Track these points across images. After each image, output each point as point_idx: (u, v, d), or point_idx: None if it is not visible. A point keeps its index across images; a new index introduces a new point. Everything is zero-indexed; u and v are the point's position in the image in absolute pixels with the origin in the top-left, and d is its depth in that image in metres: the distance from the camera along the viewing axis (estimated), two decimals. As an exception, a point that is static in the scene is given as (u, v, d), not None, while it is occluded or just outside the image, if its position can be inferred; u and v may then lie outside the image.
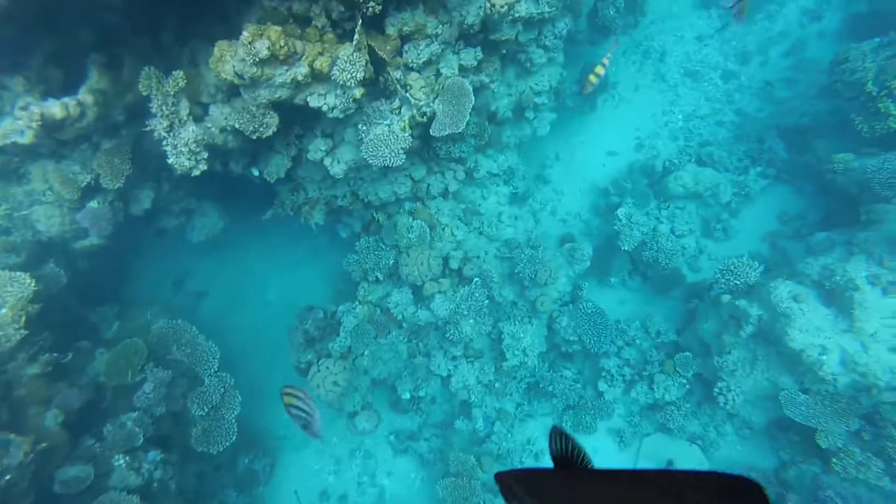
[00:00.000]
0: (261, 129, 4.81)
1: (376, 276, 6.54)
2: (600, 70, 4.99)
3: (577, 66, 8.00)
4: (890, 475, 5.27)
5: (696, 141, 8.18)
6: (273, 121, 4.84)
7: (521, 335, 6.59)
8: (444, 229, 6.65)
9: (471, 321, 6.24)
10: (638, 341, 6.91)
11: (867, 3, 8.04)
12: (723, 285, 6.20)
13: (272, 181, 5.84)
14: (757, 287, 5.99)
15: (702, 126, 8.31)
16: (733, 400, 5.95)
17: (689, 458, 6.35)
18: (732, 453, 6.41)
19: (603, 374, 6.84)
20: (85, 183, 5.09)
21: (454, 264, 6.56)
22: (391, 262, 6.46)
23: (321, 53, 4.67)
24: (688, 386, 6.52)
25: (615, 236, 7.28)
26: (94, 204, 5.32)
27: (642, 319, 7.09)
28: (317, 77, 4.76)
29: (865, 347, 5.16)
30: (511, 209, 7.50)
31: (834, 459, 5.46)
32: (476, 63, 5.62)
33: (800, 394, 5.49)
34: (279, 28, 4.41)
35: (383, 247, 6.47)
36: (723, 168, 7.66)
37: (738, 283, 6.07)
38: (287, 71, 4.61)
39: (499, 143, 6.96)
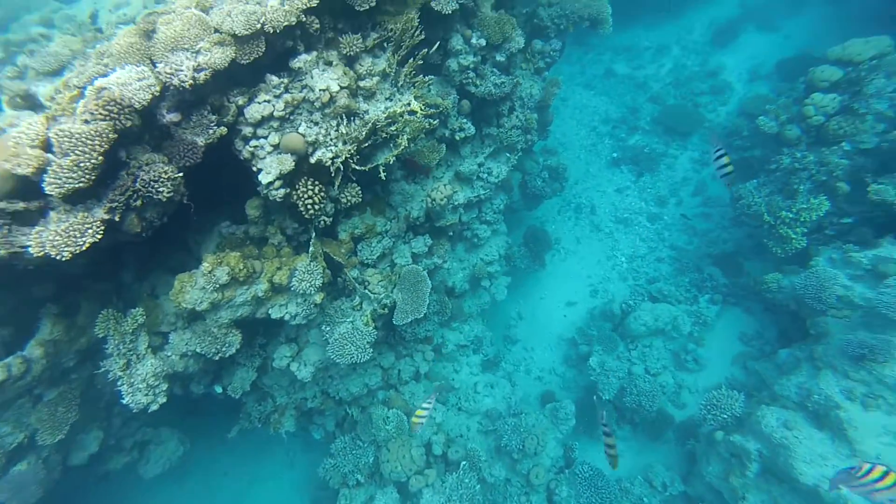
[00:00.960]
0: (223, 349, 4.77)
1: (356, 479, 5.99)
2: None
3: (520, 231, 8.77)
4: None
5: (643, 279, 8.74)
6: (236, 339, 4.82)
7: (524, 518, 5.97)
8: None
9: (466, 514, 5.64)
10: (646, 500, 6.39)
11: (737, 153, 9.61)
12: (712, 422, 6.06)
13: (237, 396, 5.60)
14: (745, 418, 5.89)
15: (644, 265, 8.97)
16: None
17: None
18: None
19: (621, 546, 6.14)
20: (14, 445, 4.62)
21: (437, 450, 6.16)
22: (371, 459, 6.00)
23: (279, 268, 4.91)
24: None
25: (593, 386, 7.21)
26: (21, 467, 4.75)
27: (644, 472, 6.68)
28: (277, 290, 4.92)
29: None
30: (485, 377, 7.39)
31: None
32: (427, 249, 6.04)
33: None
34: (237, 253, 4.67)
35: (361, 444, 6.06)
36: (675, 300, 8.08)
37: (725, 416, 5.96)
38: (247, 290, 4.76)
39: (461, 314, 7.16)
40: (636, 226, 9.59)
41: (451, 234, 6.74)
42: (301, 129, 4.20)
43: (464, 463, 6.01)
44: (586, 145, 10.93)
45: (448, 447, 6.17)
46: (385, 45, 4.60)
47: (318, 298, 4.97)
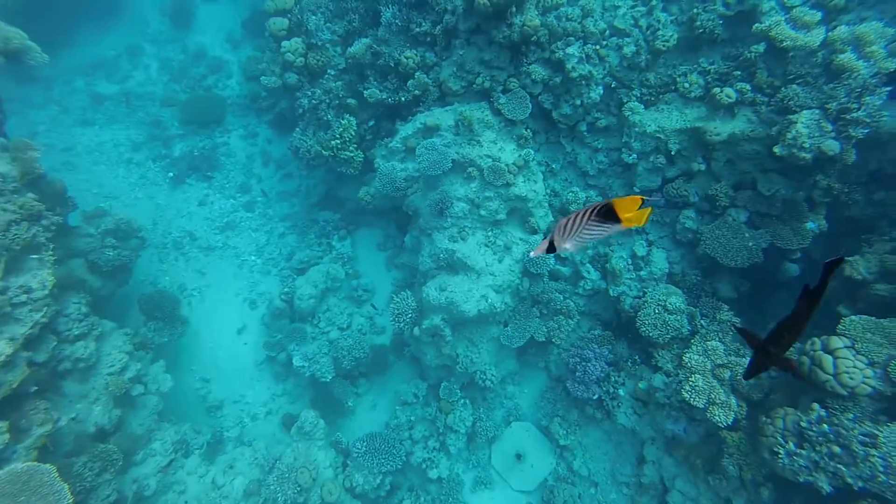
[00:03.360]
0: None
1: None
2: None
3: (133, 313, 7.28)
4: None
5: (282, 261, 8.79)
6: None
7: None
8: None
9: None
10: (412, 416, 7.14)
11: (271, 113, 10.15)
12: (405, 325, 6.96)
13: None
14: (420, 304, 7.00)
15: (273, 249, 8.97)
16: None
17: None
18: None
19: None
20: None
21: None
22: None
23: None
24: None
25: (317, 380, 7.19)
26: None
27: (394, 401, 7.34)
28: None
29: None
30: (217, 466, 6.35)
31: None
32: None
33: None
34: None
35: None
36: (317, 259, 8.51)
37: (409, 314, 6.93)
38: None
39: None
40: (241, 222, 9.31)
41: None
42: None
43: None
44: (134, 182, 9.52)
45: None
46: None
47: None
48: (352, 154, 7.78)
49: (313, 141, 7.92)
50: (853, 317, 4.82)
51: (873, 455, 4.26)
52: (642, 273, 6.94)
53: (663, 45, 6.57)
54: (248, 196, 9.57)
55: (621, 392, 6.65)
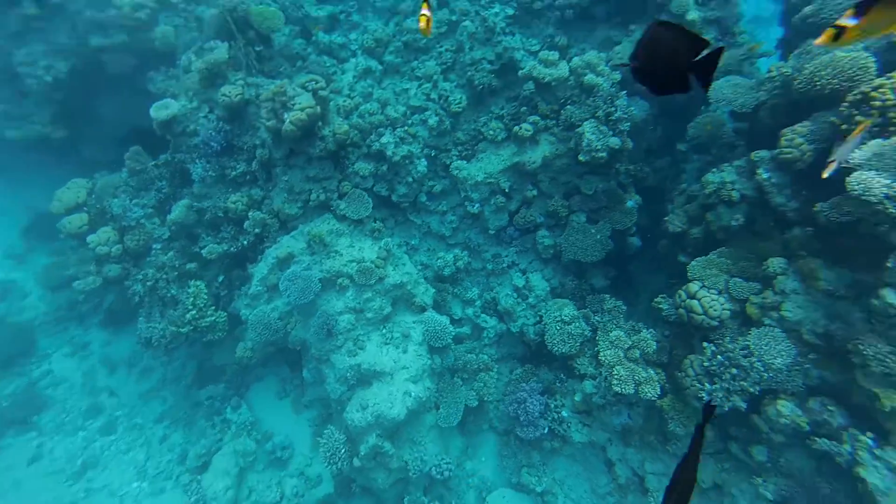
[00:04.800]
0: None
1: None
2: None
3: None
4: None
5: (175, 470, 7.53)
6: None
7: None
8: None
9: None
10: None
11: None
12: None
13: None
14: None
15: (155, 459, 7.66)
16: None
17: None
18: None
19: None
20: None
21: None
22: None
23: None
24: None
25: None
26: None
27: None
28: None
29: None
30: None
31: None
32: None
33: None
34: None
35: None
36: (217, 442, 7.49)
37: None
38: None
39: None
40: (104, 452, 7.79)
41: None
42: None
43: None
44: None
45: None
46: None
47: None
48: (213, 318, 7.21)
49: (164, 323, 7.18)
50: (692, 262, 5.79)
51: (754, 361, 5.02)
52: (530, 300, 7.47)
53: (458, 108, 7.51)
54: (103, 416, 8.12)
55: (564, 413, 6.88)
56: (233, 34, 7.36)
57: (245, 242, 7.18)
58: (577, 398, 6.75)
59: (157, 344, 7.12)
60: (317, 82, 6.85)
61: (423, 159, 7.51)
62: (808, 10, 6.05)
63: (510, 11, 8.28)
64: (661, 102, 7.52)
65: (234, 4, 7.20)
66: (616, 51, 7.58)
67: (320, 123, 6.80)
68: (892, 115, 4.43)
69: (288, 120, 6.36)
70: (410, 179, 7.48)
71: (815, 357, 4.94)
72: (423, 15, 3.48)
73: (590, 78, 6.78)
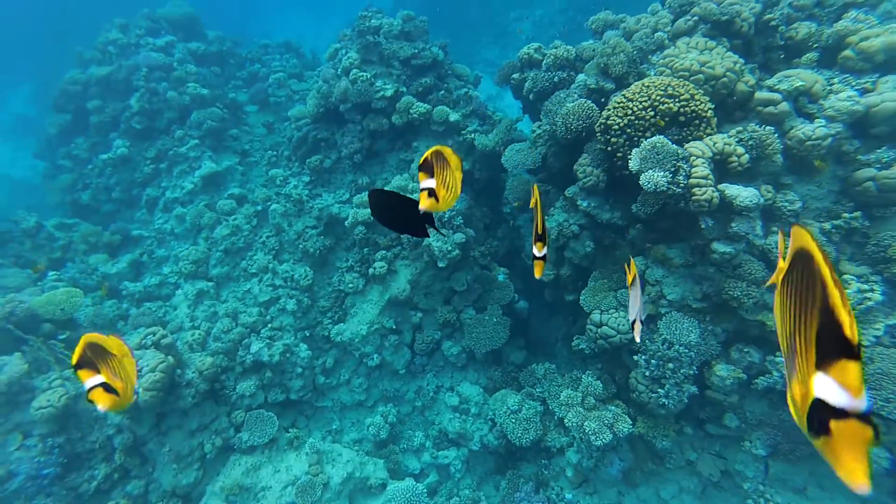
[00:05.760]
0: None
1: None
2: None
3: None
4: None
5: None
6: None
7: None
8: None
9: None
10: None
11: None
12: None
13: None
14: None
15: None
16: None
17: None
18: None
19: None
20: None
21: None
22: None
23: None
24: None
25: None
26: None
27: None
28: None
29: None
30: None
31: None
32: None
33: None
34: None
35: None
36: None
37: None
38: None
39: None
40: None
41: None
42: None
43: None
44: None
45: None
46: None
47: None
48: None
49: None
50: (581, 297, 6.32)
51: (676, 347, 5.55)
52: (473, 411, 7.26)
53: (307, 281, 7.43)
54: None
55: (568, 496, 6.59)
56: (22, 339, 6.33)
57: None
58: (568, 473, 6.55)
59: None
60: (154, 333, 6.17)
61: (301, 345, 7.12)
62: (527, 85, 7.57)
63: (306, 179, 8.73)
64: (472, 187, 8.46)
65: (8, 311, 6.26)
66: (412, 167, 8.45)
67: (179, 371, 6.05)
68: (630, 131, 5.62)
69: (142, 389, 5.52)
70: (300, 370, 6.97)
71: (709, 318, 5.64)
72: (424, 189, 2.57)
73: (408, 199, 7.35)
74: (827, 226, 5.27)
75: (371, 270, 7.44)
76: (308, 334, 7.48)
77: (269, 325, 7.20)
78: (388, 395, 7.52)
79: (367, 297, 7.59)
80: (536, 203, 2.50)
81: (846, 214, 5.18)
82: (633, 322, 3.52)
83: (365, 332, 7.25)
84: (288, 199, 8.44)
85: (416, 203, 2.18)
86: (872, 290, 4.84)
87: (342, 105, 8.67)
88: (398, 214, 2.28)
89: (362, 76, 8.56)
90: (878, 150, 5.09)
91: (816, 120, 5.36)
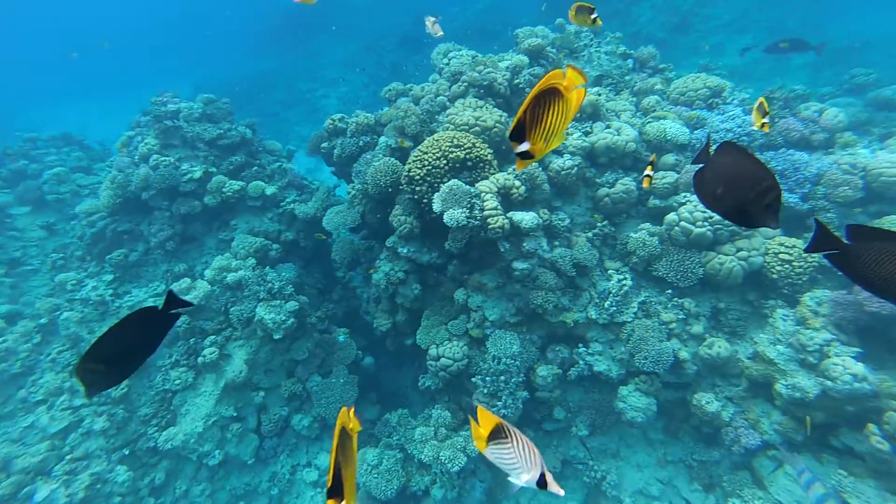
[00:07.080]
0: None
1: None
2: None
3: None
4: None
5: None
6: None
7: None
8: None
9: None
10: None
11: None
12: None
13: None
14: None
15: None
16: None
17: None
18: None
19: None
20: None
21: None
22: None
23: None
24: None
25: None
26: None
27: None
28: None
29: None
30: None
31: None
32: None
33: None
34: None
35: None
36: None
37: None
38: None
39: None
40: None
41: None
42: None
43: None
44: None
45: None
46: None
47: None
48: None
49: None
50: (417, 337, 6.70)
51: (503, 360, 6.24)
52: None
53: (122, 391, 6.42)
54: None
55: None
56: None
57: None
58: (440, 514, 6.59)
59: None
60: None
61: (118, 468, 6.09)
62: (336, 151, 8.14)
63: (108, 278, 7.84)
64: (300, 255, 8.49)
65: None
66: (233, 246, 8.19)
67: None
68: (429, 179, 6.44)
69: None
70: (118, 500, 5.90)
71: (525, 328, 6.49)
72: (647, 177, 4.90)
73: (232, 276, 7.08)
74: (589, 234, 6.63)
75: (200, 360, 6.83)
76: (127, 452, 6.42)
77: (68, 458, 6.01)
78: (237, 493, 6.74)
79: (200, 389, 6.89)
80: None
81: (599, 224, 6.60)
82: (542, 476, 2.14)
83: (201, 429, 6.51)
84: (86, 304, 7.42)
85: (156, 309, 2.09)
86: (626, 278, 6.18)
87: (144, 193, 8.13)
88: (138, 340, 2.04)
89: (164, 160, 8.21)
90: (606, 174, 6.68)
91: (565, 155, 6.84)
